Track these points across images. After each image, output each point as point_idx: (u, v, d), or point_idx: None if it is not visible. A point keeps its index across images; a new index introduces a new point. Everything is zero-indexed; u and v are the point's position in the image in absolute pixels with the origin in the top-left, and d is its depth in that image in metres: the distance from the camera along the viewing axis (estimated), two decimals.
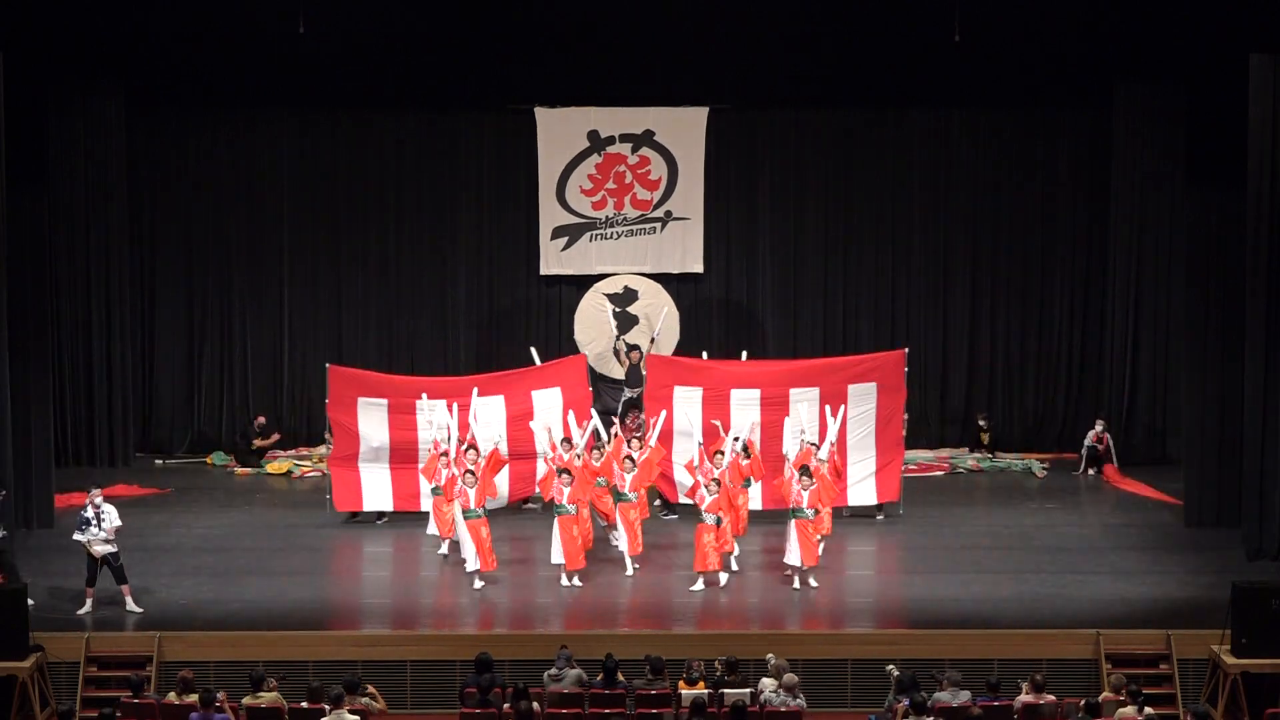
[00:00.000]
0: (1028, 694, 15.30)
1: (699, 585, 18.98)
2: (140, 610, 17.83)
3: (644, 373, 22.77)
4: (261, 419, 25.62)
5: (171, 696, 15.29)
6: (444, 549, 20.15)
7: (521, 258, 26.23)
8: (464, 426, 20.40)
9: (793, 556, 18.85)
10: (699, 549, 19.00)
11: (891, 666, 15.69)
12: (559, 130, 25.78)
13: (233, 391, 26.34)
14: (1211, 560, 19.73)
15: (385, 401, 21.43)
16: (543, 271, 26.10)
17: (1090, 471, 24.74)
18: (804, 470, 19.18)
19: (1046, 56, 24.76)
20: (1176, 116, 23.45)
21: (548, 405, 21.41)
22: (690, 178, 25.85)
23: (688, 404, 21.51)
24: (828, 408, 20.75)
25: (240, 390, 26.33)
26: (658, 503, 21.54)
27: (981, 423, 25.87)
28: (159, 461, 25.71)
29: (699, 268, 26.10)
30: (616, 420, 21.67)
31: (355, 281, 26.27)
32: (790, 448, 20.36)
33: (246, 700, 15.15)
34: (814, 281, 26.34)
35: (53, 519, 21.07)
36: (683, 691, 15.34)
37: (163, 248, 26.15)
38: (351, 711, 14.51)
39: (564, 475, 19.31)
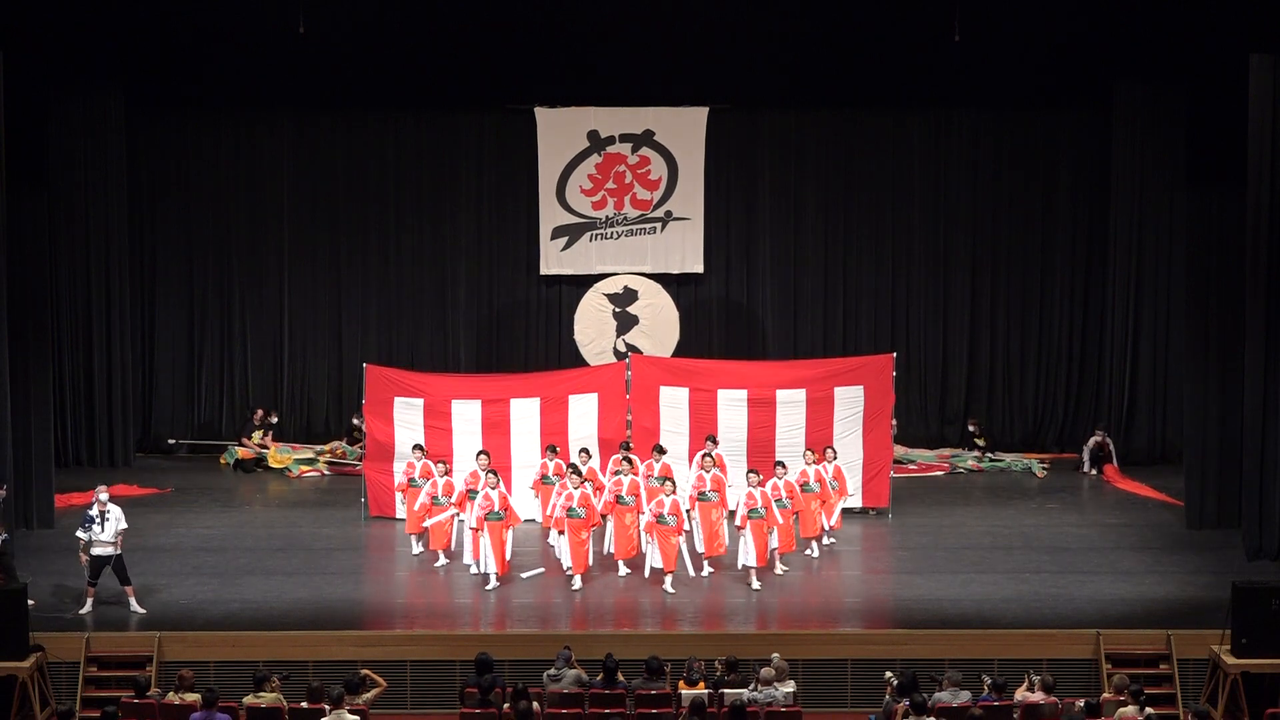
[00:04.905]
0: (1035, 692, 15.27)
1: (707, 570, 19.29)
2: (144, 611, 17.83)
3: None
4: (274, 417, 25.66)
5: (171, 696, 15.29)
6: (418, 547, 20.30)
7: (521, 258, 26.25)
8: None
9: (748, 557, 18.98)
10: (708, 532, 19.33)
11: (890, 675, 15.66)
12: (559, 130, 25.79)
13: (233, 391, 26.39)
14: (1211, 560, 19.75)
15: (421, 402, 21.49)
16: (543, 271, 26.11)
17: (1093, 471, 24.75)
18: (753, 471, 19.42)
19: (1046, 57, 24.78)
20: (1176, 116, 23.46)
21: (583, 411, 21.48)
22: (690, 178, 25.86)
23: (674, 404, 21.56)
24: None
25: (240, 390, 26.38)
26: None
27: (972, 428, 25.88)
28: (171, 440, 25.91)
29: (699, 268, 26.10)
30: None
31: (355, 281, 26.29)
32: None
33: (248, 700, 15.15)
34: (814, 281, 26.37)
35: (53, 519, 21.10)
36: (683, 691, 15.35)
37: (163, 248, 26.18)
38: (352, 711, 14.51)
39: (574, 477, 19.31)
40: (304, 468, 24.89)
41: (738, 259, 26.44)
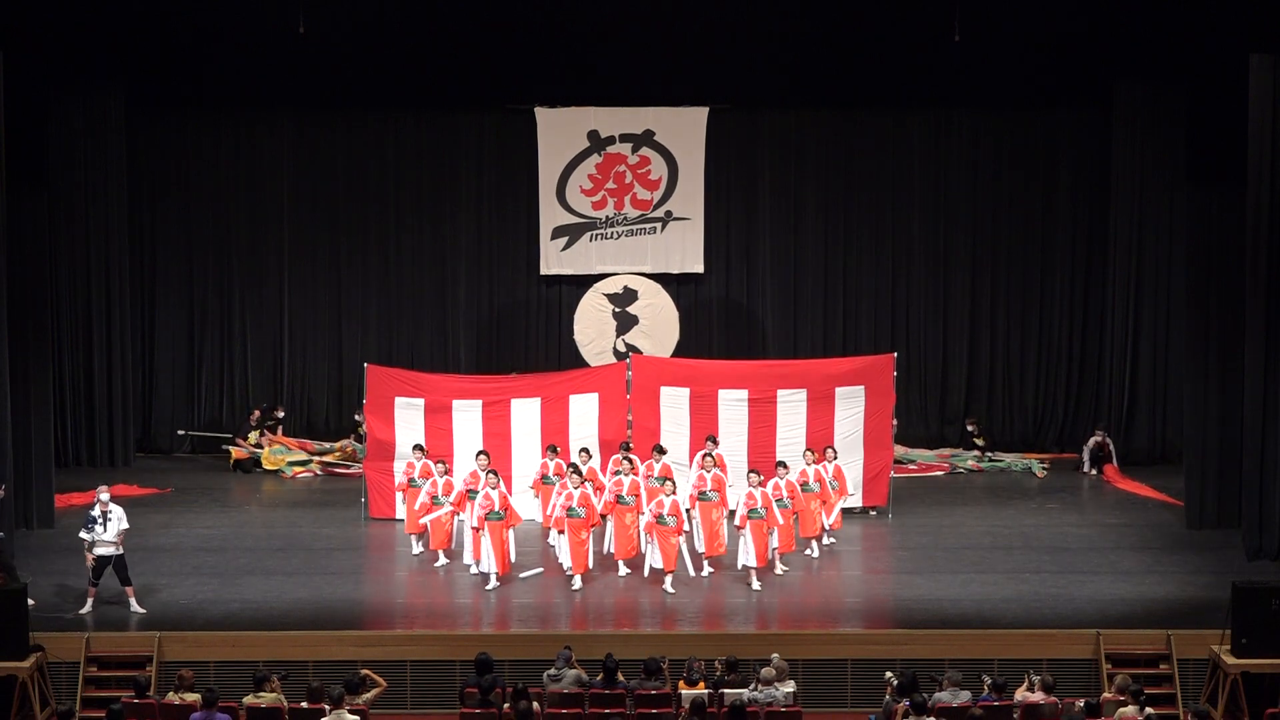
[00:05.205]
0: (1035, 692, 15.28)
1: (707, 570, 19.30)
2: (144, 611, 17.83)
3: None
4: (281, 411, 25.65)
5: (171, 696, 15.29)
6: (418, 547, 20.32)
7: (521, 258, 26.25)
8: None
9: (748, 557, 18.97)
10: (708, 531, 19.36)
11: (890, 675, 15.67)
12: (559, 130, 25.79)
13: (233, 391, 26.39)
14: (1211, 560, 19.75)
15: (421, 401, 21.50)
16: (543, 271, 26.11)
17: (1093, 471, 24.76)
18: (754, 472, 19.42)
19: (1046, 56, 24.77)
20: (1176, 116, 23.48)
21: (584, 410, 21.50)
22: (690, 178, 25.85)
23: (675, 404, 21.57)
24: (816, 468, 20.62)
25: (240, 390, 26.37)
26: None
27: (971, 427, 25.87)
28: (180, 432, 25.92)
29: (699, 268, 26.10)
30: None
31: (355, 281, 26.30)
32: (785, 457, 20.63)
33: (248, 700, 15.15)
34: (814, 281, 26.37)
35: (53, 519, 21.11)
36: (683, 691, 15.35)
37: (163, 248, 26.18)
38: (352, 711, 14.51)
39: (574, 476, 19.32)
40: (297, 469, 24.85)
41: (738, 259, 26.44)
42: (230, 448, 25.22)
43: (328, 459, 25.08)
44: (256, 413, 25.59)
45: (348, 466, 24.65)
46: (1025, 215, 26.22)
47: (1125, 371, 25.37)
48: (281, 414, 25.75)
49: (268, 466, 24.87)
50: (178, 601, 18.33)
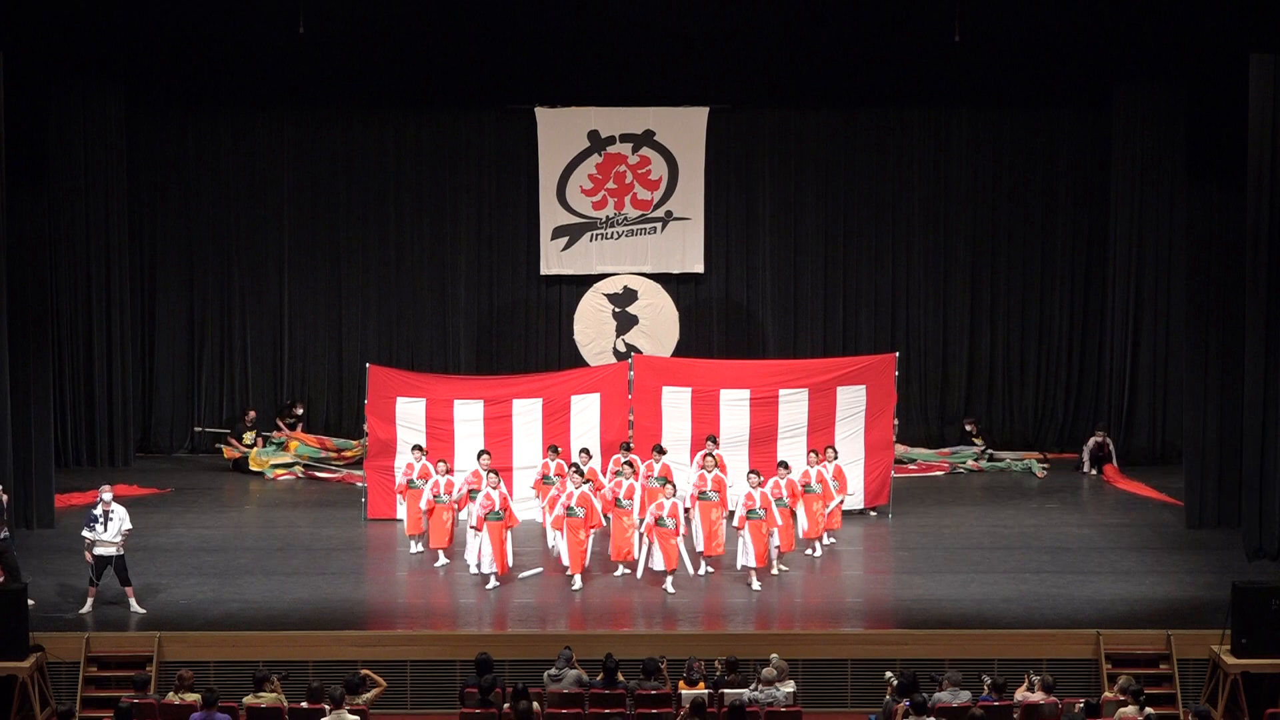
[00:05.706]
0: (1035, 692, 15.28)
1: (706, 570, 19.33)
2: (143, 611, 17.84)
3: None
4: (299, 408, 25.61)
5: (171, 696, 15.29)
6: (417, 547, 20.33)
7: (521, 258, 26.25)
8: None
9: (747, 558, 18.96)
10: (707, 531, 19.36)
11: (890, 675, 15.67)
12: (559, 130, 25.78)
13: (233, 391, 26.37)
14: (1211, 560, 19.76)
15: (423, 402, 21.51)
16: (543, 271, 26.10)
17: (1093, 471, 24.75)
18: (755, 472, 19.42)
19: (1046, 57, 24.76)
20: (1176, 116, 23.50)
21: (586, 411, 21.50)
22: (690, 178, 25.85)
23: (676, 405, 21.57)
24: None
25: (240, 390, 26.35)
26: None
27: (970, 427, 25.86)
28: (197, 429, 25.91)
29: (699, 268, 26.10)
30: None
31: (355, 281, 26.28)
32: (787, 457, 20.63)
33: (248, 700, 15.15)
34: (814, 281, 26.37)
35: (53, 519, 21.11)
36: (683, 691, 15.36)
37: (163, 248, 26.17)
38: (352, 711, 14.52)
39: (575, 476, 19.33)
40: (279, 471, 24.74)
41: (738, 259, 26.44)
42: (222, 446, 25.22)
43: (319, 459, 25.03)
44: (252, 414, 25.55)
45: (335, 470, 24.62)
46: (1025, 215, 26.22)
47: (1125, 371, 25.37)
48: (300, 410, 25.70)
49: (254, 468, 24.80)
50: (178, 601, 18.33)
